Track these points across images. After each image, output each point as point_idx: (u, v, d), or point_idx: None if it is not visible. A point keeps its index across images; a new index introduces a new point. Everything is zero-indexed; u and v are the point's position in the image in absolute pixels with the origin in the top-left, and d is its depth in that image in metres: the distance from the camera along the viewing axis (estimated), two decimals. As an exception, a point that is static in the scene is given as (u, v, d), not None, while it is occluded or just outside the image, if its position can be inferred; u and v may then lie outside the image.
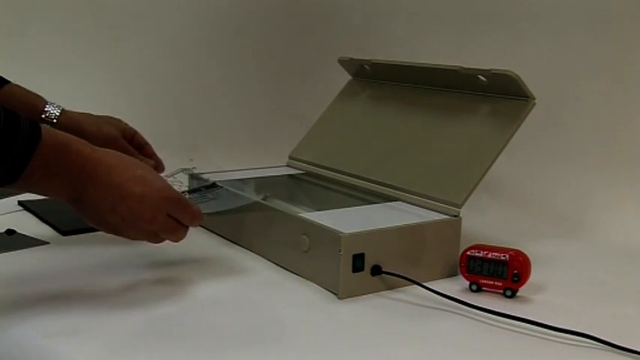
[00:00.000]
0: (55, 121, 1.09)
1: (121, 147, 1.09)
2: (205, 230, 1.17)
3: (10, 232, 1.11)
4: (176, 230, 0.89)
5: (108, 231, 0.86)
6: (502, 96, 1.05)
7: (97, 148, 0.83)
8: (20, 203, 1.28)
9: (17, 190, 0.80)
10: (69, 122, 1.08)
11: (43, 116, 1.09)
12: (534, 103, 1.02)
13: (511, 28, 1.44)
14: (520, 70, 1.02)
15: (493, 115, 1.06)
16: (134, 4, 1.93)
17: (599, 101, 1.34)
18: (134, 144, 1.15)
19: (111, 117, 1.16)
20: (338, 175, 1.20)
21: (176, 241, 0.90)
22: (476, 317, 0.85)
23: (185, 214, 0.88)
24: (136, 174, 0.84)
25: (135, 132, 1.17)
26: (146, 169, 0.87)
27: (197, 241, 1.12)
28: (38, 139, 0.77)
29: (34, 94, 1.11)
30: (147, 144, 1.17)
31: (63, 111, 1.11)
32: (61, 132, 0.82)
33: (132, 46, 1.92)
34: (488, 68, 1.04)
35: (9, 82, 1.11)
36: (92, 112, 1.15)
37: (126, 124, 1.16)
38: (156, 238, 0.88)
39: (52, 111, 1.10)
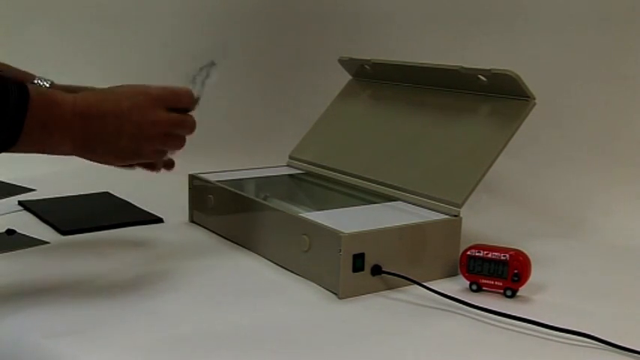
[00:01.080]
0: None
1: None
2: (205, 230, 1.17)
3: (10, 232, 1.11)
4: (183, 121, 0.90)
5: (126, 159, 0.87)
6: (502, 96, 1.05)
7: (76, 93, 0.84)
8: (20, 203, 1.28)
9: (21, 152, 0.80)
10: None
11: None
12: (534, 103, 1.02)
13: (511, 28, 1.44)
14: (520, 70, 1.02)
15: (493, 115, 1.06)
16: (134, 4, 1.93)
17: (599, 101, 1.34)
18: None
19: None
20: (338, 175, 1.20)
21: (190, 132, 0.91)
22: (476, 317, 0.85)
23: (181, 100, 0.90)
24: (119, 96, 0.86)
25: None
26: (125, 86, 0.88)
27: (197, 240, 1.12)
28: (27, 98, 0.77)
29: (22, 70, 1.11)
30: None
31: (52, 84, 1.10)
32: (44, 88, 0.82)
33: (131, 48, 1.92)
34: (488, 68, 1.04)
35: None
36: None
37: None
38: (172, 140, 0.89)
39: (42, 84, 1.09)
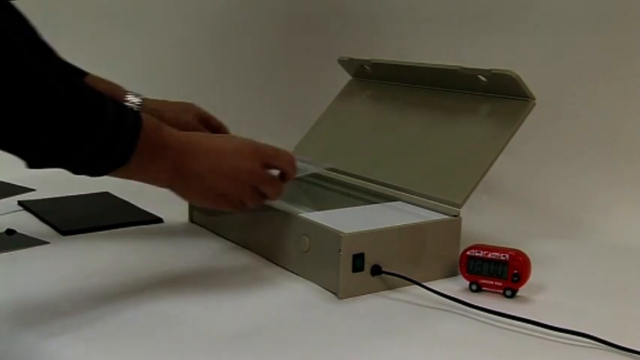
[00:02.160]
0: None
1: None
2: (205, 230, 1.17)
3: (10, 232, 1.11)
4: (275, 182, 0.93)
5: (212, 199, 0.89)
6: (502, 96, 1.05)
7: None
8: (20, 203, 1.28)
9: (121, 177, 0.82)
10: (150, 111, 1.08)
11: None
12: (534, 103, 1.02)
13: (511, 28, 1.44)
14: (520, 70, 1.02)
15: (493, 115, 1.06)
16: (134, 5, 1.93)
17: (599, 101, 1.34)
18: (210, 128, 1.18)
19: (185, 102, 1.17)
20: (338, 175, 1.20)
21: (276, 196, 0.94)
22: (476, 317, 0.85)
23: (281, 161, 0.93)
24: (224, 137, 0.91)
25: (210, 116, 1.18)
26: (230, 135, 0.92)
27: (197, 241, 1.12)
28: (140, 123, 0.80)
29: (114, 83, 1.12)
30: (222, 126, 1.19)
31: (144, 99, 1.11)
32: (151, 116, 0.85)
33: (130, 49, 1.92)
34: (488, 68, 1.04)
35: (88, 73, 1.11)
36: None
37: (200, 108, 1.17)
38: (258, 196, 0.92)
39: (133, 100, 1.11)
